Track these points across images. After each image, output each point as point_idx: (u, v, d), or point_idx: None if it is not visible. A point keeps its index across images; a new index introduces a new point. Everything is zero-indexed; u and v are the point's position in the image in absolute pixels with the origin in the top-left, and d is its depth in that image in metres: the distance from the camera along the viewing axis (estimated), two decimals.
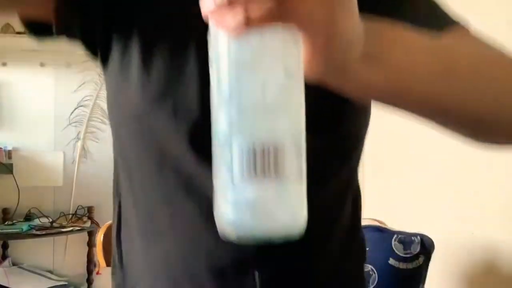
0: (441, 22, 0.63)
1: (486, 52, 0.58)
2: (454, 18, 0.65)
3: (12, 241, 2.95)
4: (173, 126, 0.61)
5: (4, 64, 3.10)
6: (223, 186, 0.37)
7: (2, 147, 3.04)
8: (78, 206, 3.12)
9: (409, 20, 0.58)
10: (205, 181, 0.58)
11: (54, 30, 0.64)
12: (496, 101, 0.55)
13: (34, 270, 3.00)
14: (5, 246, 2.97)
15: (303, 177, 0.38)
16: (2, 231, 2.77)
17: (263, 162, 0.36)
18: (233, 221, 0.37)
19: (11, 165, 3.03)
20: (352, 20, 0.41)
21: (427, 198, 1.85)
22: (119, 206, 0.72)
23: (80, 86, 3.15)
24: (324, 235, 0.67)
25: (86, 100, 3.16)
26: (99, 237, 1.31)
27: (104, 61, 0.68)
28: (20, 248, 3.03)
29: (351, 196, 0.72)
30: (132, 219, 0.70)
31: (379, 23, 0.47)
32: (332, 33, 0.39)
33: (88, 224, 3.06)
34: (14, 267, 2.96)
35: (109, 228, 1.26)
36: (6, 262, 2.92)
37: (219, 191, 0.38)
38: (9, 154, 3.07)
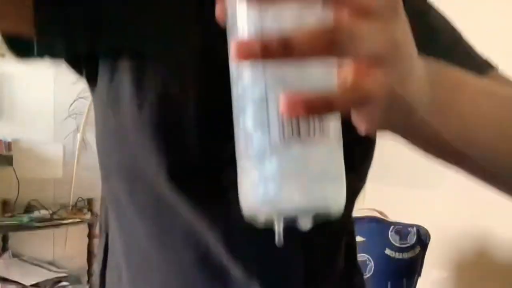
0: (480, 66, 0.62)
1: None
2: (488, 60, 0.65)
3: (12, 233, 2.95)
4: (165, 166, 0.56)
5: (2, 55, 3.09)
6: (258, 157, 0.32)
7: (2, 139, 3.03)
8: (78, 198, 3.13)
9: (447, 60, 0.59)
10: (203, 228, 0.57)
11: (35, 50, 0.57)
12: None
13: (35, 262, 3.01)
14: (5, 238, 2.98)
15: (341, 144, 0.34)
16: (2, 223, 2.78)
17: (308, 121, 0.31)
18: (273, 194, 0.32)
19: (11, 157, 3.02)
20: (416, 85, 0.38)
21: (424, 189, 1.85)
22: (106, 241, 0.69)
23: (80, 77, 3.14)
24: (320, 274, 0.64)
25: (86, 92, 3.15)
26: (98, 230, 1.27)
27: (91, 83, 0.63)
28: (20, 240, 3.04)
29: (345, 240, 0.69)
30: (120, 256, 0.66)
31: (442, 72, 0.44)
32: (393, 98, 0.36)
33: (88, 216, 3.07)
34: (15, 259, 2.97)
35: None
36: (6, 254, 2.92)
37: (249, 168, 0.33)
38: (8, 146, 3.06)
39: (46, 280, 2.84)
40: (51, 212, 2.95)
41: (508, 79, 0.64)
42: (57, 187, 3.16)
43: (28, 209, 2.99)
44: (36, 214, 2.93)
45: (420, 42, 0.61)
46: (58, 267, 3.05)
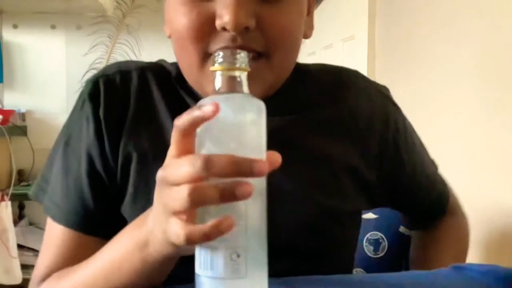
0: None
1: None
2: (444, 198, 0.84)
3: (28, 201, 3.00)
4: None
5: (15, 27, 3.09)
6: None
7: (16, 109, 3.06)
8: None
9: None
10: None
11: None
12: None
13: None
14: (21, 207, 3.03)
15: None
16: (18, 192, 2.80)
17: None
18: None
19: (25, 127, 3.05)
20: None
21: (442, 165, 1.85)
22: None
23: (91, 48, 3.14)
24: None
25: (97, 63, 3.15)
26: None
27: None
28: (36, 209, 3.08)
29: None
30: None
31: None
32: None
33: None
34: (31, 226, 3.02)
35: None
36: (23, 222, 2.98)
37: None
38: (23, 116, 3.09)
39: None
40: None
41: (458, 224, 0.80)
42: None
43: None
44: None
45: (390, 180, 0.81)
46: None
